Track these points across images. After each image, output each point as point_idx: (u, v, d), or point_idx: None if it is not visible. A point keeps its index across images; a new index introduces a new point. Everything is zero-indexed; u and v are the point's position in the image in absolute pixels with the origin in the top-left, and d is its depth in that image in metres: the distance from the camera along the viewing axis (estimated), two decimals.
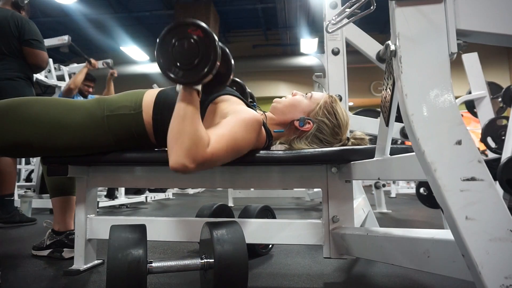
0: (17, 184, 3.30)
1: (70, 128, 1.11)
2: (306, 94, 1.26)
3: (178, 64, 0.86)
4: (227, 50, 0.96)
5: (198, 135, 0.85)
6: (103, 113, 1.13)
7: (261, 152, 1.12)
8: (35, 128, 1.10)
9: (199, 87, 0.91)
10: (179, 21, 0.86)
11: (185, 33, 0.86)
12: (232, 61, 0.98)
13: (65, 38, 3.57)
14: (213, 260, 0.86)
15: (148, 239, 0.91)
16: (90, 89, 3.67)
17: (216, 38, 0.86)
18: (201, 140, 0.85)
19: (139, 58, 10.78)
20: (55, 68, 3.93)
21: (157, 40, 0.88)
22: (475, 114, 3.21)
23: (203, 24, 0.86)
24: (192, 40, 0.86)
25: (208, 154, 0.86)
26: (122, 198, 3.79)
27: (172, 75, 0.87)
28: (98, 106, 1.14)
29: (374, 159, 0.95)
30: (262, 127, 1.14)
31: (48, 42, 3.47)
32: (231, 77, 1.00)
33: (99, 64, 3.81)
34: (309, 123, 1.20)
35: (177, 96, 0.91)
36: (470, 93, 3.15)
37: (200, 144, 0.85)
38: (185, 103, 0.88)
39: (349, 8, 0.83)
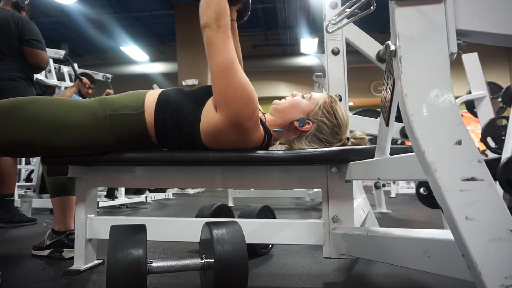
0: (17, 184, 3.30)
1: (72, 128, 1.11)
2: (305, 95, 1.26)
3: None
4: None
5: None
6: (105, 113, 1.13)
7: (261, 152, 1.12)
8: (37, 128, 1.10)
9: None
10: None
11: None
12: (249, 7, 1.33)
13: (61, 53, 3.61)
14: (213, 260, 0.86)
15: (148, 239, 0.91)
16: (90, 91, 3.68)
17: None
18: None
19: (139, 58, 10.79)
20: (55, 68, 3.93)
21: None
22: (475, 114, 3.20)
23: None
24: None
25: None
26: (122, 198, 3.79)
27: None
28: (100, 106, 1.14)
29: (374, 159, 0.95)
30: (260, 124, 1.14)
31: None
32: (247, 16, 1.37)
33: (99, 76, 3.80)
34: (308, 123, 1.20)
35: None
36: (470, 93, 3.15)
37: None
38: None
39: (349, 8, 0.83)
